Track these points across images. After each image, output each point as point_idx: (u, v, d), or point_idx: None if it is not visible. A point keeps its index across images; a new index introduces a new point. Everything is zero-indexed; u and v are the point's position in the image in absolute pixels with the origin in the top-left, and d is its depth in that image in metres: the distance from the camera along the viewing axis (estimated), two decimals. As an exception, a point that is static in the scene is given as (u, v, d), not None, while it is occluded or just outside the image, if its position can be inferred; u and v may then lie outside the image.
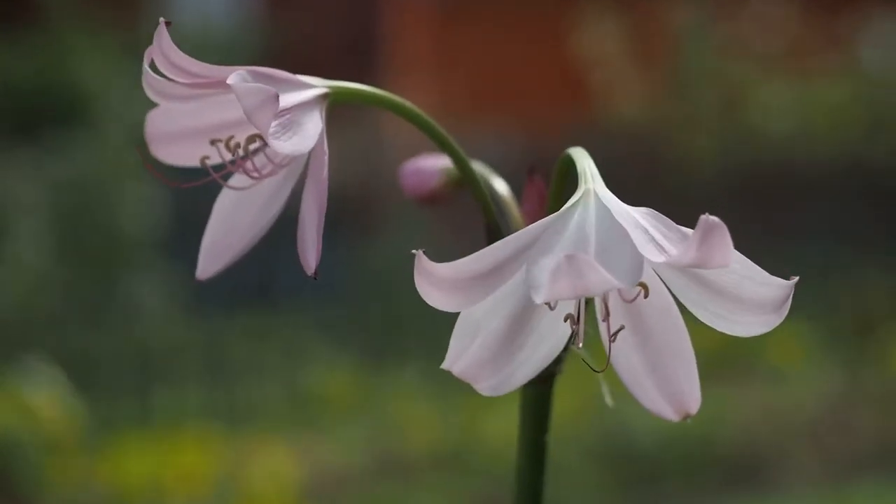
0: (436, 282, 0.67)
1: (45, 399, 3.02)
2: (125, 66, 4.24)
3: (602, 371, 0.73)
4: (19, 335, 3.67)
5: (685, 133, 5.26)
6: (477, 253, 0.67)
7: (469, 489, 3.09)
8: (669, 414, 0.71)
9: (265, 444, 3.17)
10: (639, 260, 0.65)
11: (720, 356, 3.74)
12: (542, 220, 0.67)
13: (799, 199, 5.15)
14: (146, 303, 3.90)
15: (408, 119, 0.77)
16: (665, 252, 0.65)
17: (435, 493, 3.08)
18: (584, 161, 0.72)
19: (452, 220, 3.19)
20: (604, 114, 5.50)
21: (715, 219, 0.63)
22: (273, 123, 0.69)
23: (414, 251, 0.67)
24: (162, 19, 0.72)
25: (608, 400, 0.76)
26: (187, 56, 0.73)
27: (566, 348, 0.72)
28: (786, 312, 0.69)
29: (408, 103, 0.77)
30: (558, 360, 0.75)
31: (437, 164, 0.87)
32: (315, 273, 0.72)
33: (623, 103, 5.45)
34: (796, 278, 0.68)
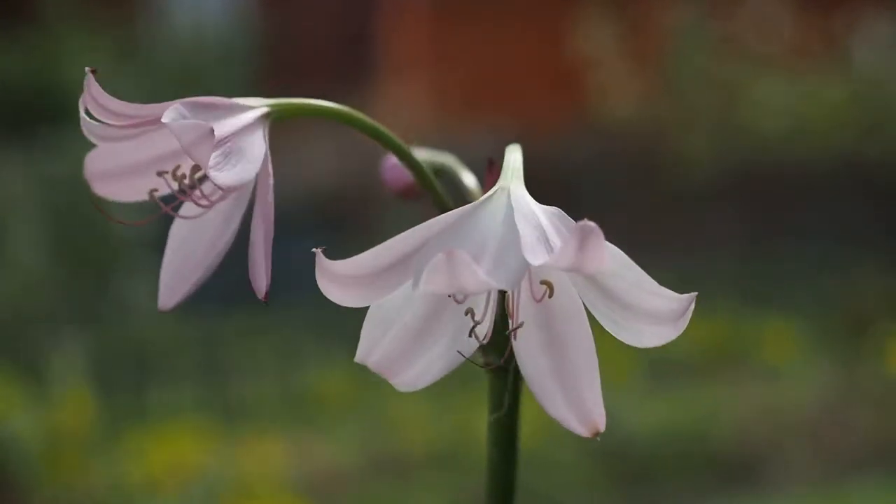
0: (336, 279, 0.68)
1: (55, 394, 3.02)
2: (120, 65, 4.23)
3: (491, 367, 0.74)
4: (13, 334, 3.67)
5: (680, 132, 5.26)
6: (375, 248, 0.67)
7: (465, 488, 3.09)
8: (576, 425, 0.70)
9: (261, 442, 3.17)
10: (521, 264, 0.65)
11: (715, 353, 3.74)
12: (449, 213, 0.68)
13: (794, 198, 5.15)
14: (140, 301, 3.90)
15: (356, 128, 0.77)
16: (549, 254, 0.66)
17: (431, 491, 3.08)
18: (510, 156, 0.72)
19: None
20: (599, 112, 5.50)
21: (591, 223, 0.63)
22: (213, 155, 0.69)
23: (313, 250, 0.67)
24: (87, 68, 0.72)
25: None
26: (119, 100, 0.73)
27: (506, 338, 0.72)
28: (683, 326, 0.68)
29: (353, 112, 0.77)
30: (505, 353, 0.75)
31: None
32: (266, 296, 0.72)
33: (618, 102, 5.45)
34: (694, 294, 0.68)
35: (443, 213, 0.71)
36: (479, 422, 3.29)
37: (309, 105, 0.76)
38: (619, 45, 5.60)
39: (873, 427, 3.49)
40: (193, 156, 0.69)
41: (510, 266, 0.65)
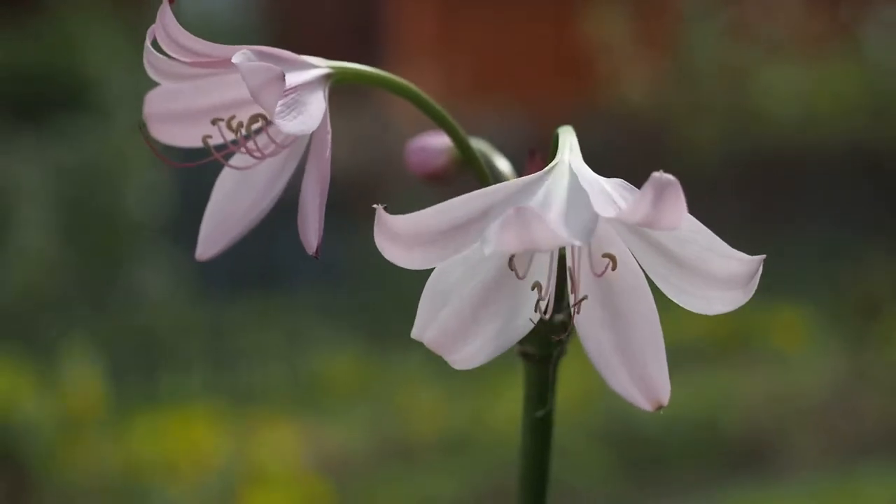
0: (395, 236, 0.66)
1: (67, 379, 3.03)
2: (130, 52, 4.23)
3: (559, 339, 0.73)
4: (25, 320, 3.68)
5: (689, 118, 5.25)
6: (435, 206, 0.66)
7: (475, 473, 3.09)
8: (639, 399, 0.70)
9: (272, 426, 3.18)
10: (592, 217, 0.64)
11: (725, 340, 3.74)
12: (512, 181, 0.67)
13: (804, 184, 5.15)
14: (151, 286, 3.91)
15: (409, 99, 0.77)
16: (619, 209, 0.65)
17: (441, 476, 3.09)
18: (566, 136, 0.71)
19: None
20: (608, 98, 5.49)
21: (669, 176, 0.62)
22: (279, 103, 0.69)
23: (374, 206, 0.66)
24: None
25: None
26: (191, 34, 0.72)
27: (568, 331, 0.72)
28: (752, 290, 0.68)
29: (409, 84, 0.77)
30: (562, 342, 0.75)
31: (443, 142, 0.87)
32: (317, 252, 0.72)
33: (628, 88, 5.44)
34: (763, 256, 0.67)
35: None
36: (489, 407, 3.29)
37: (370, 73, 0.77)
38: (630, 30, 5.59)
39: (882, 413, 3.49)
40: (260, 99, 0.68)
41: (581, 218, 0.64)
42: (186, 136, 0.78)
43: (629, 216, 0.64)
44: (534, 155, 0.77)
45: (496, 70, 6.24)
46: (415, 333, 0.70)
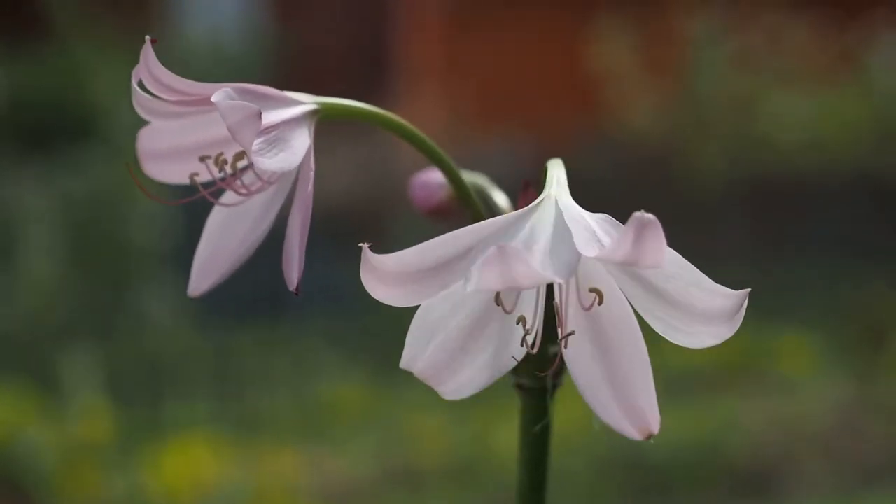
0: (380, 275, 0.67)
1: (71, 406, 3.04)
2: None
3: (546, 373, 0.74)
4: (30, 347, 3.68)
5: (696, 144, 5.26)
6: (420, 245, 0.66)
7: (481, 500, 3.09)
8: (629, 430, 0.71)
9: (277, 454, 3.18)
10: (573, 256, 0.65)
11: (729, 366, 3.74)
12: (496, 218, 0.68)
13: (809, 211, 5.15)
14: (157, 314, 3.91)
15: (399, 134, 0.77)
16: (602, 247, 0.65)
17: None
18: (554, 170, 0.72)
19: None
20: (615, 124, 5.50)
21: (649, 215, 0.63)
22: (258, 140, 0.70)
23: (360, 244, 0.66)
24: (147, 37, 0.72)
25: (595, 425, 0.75)
26: (173, 74, 0.73)
27: (562, 364, 0.72)
28: (738, 324, 0.68)
29: (398, 119, 0.77)
30: (557, 374, 0.75)
31: (442, 176, 0.87)
32: (297, 289, 0.72)
33: (634, 114, 5.45)
34: (748, 290, 0.67)
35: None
36: (494, 435, 3.29)
37: (357, 108, 0.77)
38: (636, 56, 5.60)
39: (888, 439, 3.48)
40: (238, 136, 0.69)
41: (563, 258, 0.65)
42: (176, 174, 0.79)
43: (611, 256, 0.65)
44: (527, 188, 0.77)
45: (503, 96, 6.25)
46: (403, 364, 0.71)
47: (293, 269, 0.72)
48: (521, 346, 0.69)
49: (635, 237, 0.63)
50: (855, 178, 5.19)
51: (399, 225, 4.40)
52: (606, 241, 0.66)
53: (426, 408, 3.51)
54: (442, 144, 0.79)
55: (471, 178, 0.81)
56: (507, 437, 3.21)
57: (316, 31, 6.47)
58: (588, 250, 0.65)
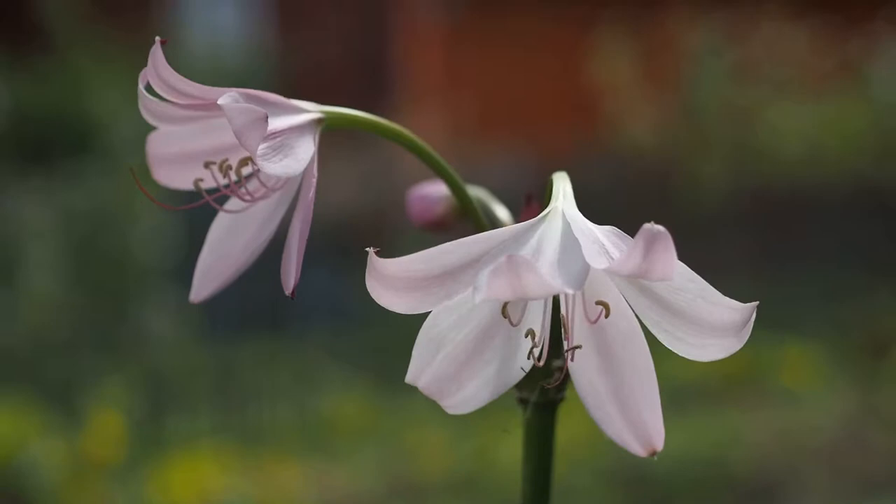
0: (385, 280, 0.66)
1: (74, 423, 3.03)
2: (137, 95, 4.24)
3: (552, 386, 0.73)
4: (33, 363, 3.68)
5: (696, 157, 5.26)
6: (428, 250, 0.66)
7: (483, 513, 3.08)
8: (634, 445, 0.71)
9: (280, 468, 3.17)
10: (582, 267, 0.64)
11: (733, 378, 3.73)
12: (505, 228, 0.67)
13: (810, 222, 5.14)
14: (160, 328, 3.91)
15: (403, 145, 0.77)
16: (611, 259, 0.65)
17: (448, 517, 3.08)
18: (560, 183, 0.71)
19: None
20: (615, 137, 5.50)
21: (659, 227, 0.62)
22: (263, 145, 0.70)
23: (367, 249, 0.66)
24: (157, 38, 0.72)
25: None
26: (182, 76, 0.73)
27: (566, 378, 0.71)
28: (746, 337, 0.67)
29: (402, 129, 0.77)
30: (560, 388, 0.75)
31: (441, 190, 0.87)
32: (292, 293, 0.72)
33: (634, 127, 5.45)
34: (756, 303, 0.67)
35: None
36: (497, 449, 3.28)
37: (362, 118, 0.76)
38: (636, 70, 5.60)
39: (892, 451, 3.48)
40: (243, 140, 0.69)
41: (573, 269, 0.64)
42: (182, 179, 0.79)
43: (620, 268, 0.64)
44: (530, 201, 0.77)
45: (503, 109, 6.25)
46: (409, 379, 0.70)
47: (290, 273, 0.72)
48: (528, 359, 0.69)
49: (645, 249, 0.63)
50: (855, 189, 5.19)
51: (401, 238, 4.40)
52: (616, 253, 0.65)
53: (429, 422, 3.51)
54: (442, 157, 0.79)
55: (472, 191, 0.81)
56: (509, 450, 3.20)
57: (317, 44, 6.48)
58: (597, 262, 0.64)
